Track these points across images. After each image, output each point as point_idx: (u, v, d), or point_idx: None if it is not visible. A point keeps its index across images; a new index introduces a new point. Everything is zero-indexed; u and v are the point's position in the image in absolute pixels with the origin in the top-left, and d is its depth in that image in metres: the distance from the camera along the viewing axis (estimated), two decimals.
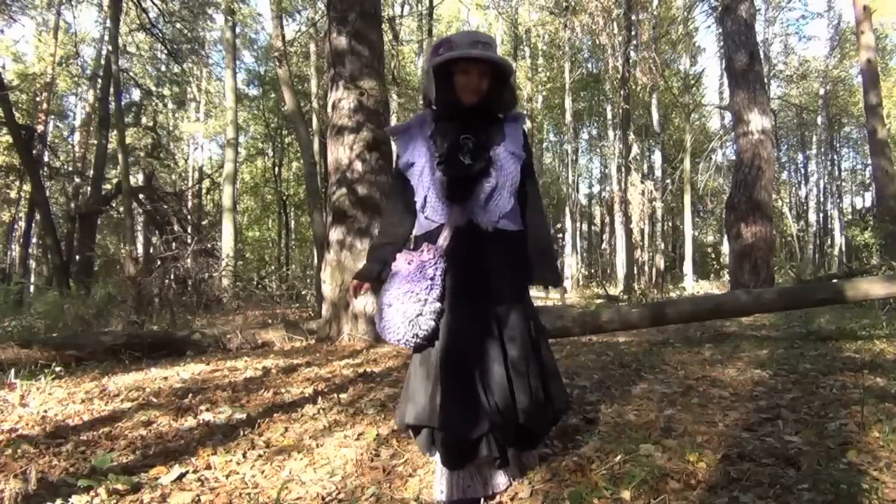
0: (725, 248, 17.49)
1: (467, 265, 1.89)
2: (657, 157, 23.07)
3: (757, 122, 9.59)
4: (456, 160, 1.89)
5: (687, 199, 20.31)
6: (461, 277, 1.89)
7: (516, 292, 1.95)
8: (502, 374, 1.84)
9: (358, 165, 5.92)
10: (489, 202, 1.90)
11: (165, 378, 4.22)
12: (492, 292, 1.89)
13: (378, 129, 6.05)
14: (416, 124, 2.02)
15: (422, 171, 1.94)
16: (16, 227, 23.34)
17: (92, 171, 15.64)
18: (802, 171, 32.76)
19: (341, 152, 5.99)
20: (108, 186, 17.13)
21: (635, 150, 19.95)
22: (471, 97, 1.91)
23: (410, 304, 1.85)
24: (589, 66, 24.35)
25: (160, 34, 13.33)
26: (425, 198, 1.94)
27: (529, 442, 2.03)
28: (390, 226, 2.07)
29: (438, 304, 1.87)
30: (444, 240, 1.89)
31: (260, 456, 2.47)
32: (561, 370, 3.88)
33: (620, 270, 19.83)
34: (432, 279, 1.87)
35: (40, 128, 17.79)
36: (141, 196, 14.89)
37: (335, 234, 5.93)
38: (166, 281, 9.31)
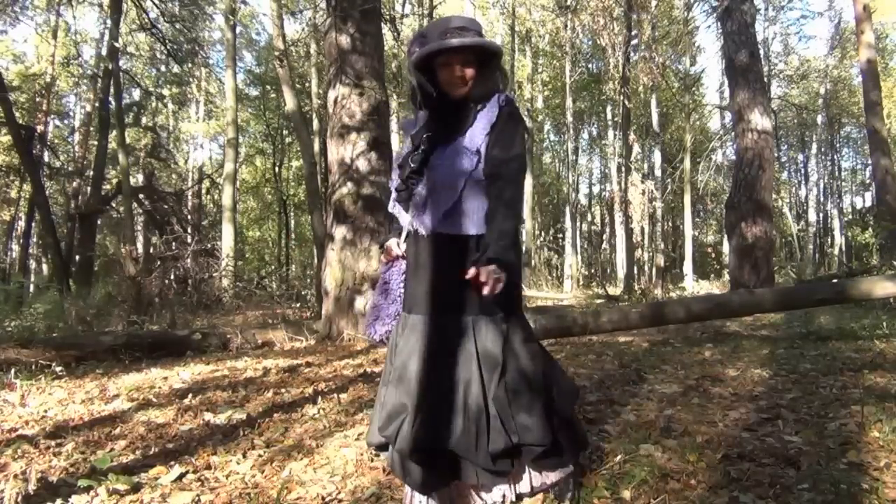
0: (725, 248, 17.50)
1: (416, 273, 1.84)
2: (657, 157, 23.06)
3: (757, 121, 9.58)
4: (406, 163, 1.84)
5: (687, 199, 20.31)
6: (410, 285, 1.87)
7: (475, 304, 1.73)
8: (436, 392, 1.70)
9: (359, 164, 5.93)
10: (425, 207, 1.78)
11: (165, 378, 4.22)
12: (441, 302, 1.75)
13: (378, 129, 6.06)
14: (410, 121, 1.95)
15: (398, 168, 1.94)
16: (16, 226, 23.34)
17: (92, 171, 15.63)
18: (802, 171, 32.76)
19: (342, 151, 6.00)
20: (108, 186, 17.13)
21: (636, 150, 19.95)
22: (458, 89, 1.77)
23: (370, 308, 1.99)
24: (590, 66, 24.35)
25: (160, 34, 13.33)
26: (393, 201, 1.94)
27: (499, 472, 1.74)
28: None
29: (395, 309, 1.92)
30: (401, 245, 1.91)
31: (260, 456, 2.47)
32: None
33: (620, 270, 19.83)
34: (387, 284, 1.94)
35: (40, 128, 17.79)
36: (141, 196, 14.89)
37: (336, 233, 5.93)
38: (166, 281, 9.31)
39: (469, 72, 1.76)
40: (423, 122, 1.88)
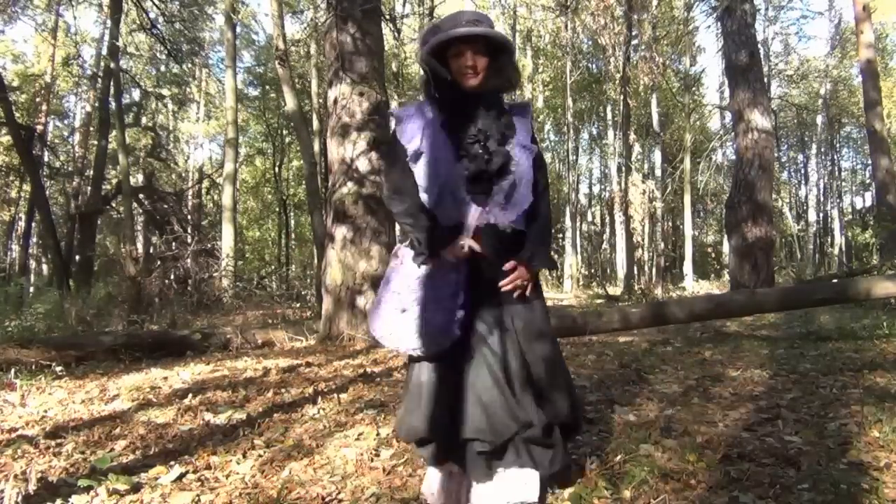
0: (725, 248, 17.51)
1: (487, 270, 1.80)
2: (657, 157, 23.05)
3: (757, 121, 9.58)
4: (476, 154, 1.76)
5: (687, 199, 20.31)
6: (480, 282, 1.79)
7: (532, 291, 1.87)
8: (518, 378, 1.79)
9: (359, 164, 5.93)
10: (509, 201, 1.77)
11: (165, 378, 4.22)
12: (508, 296, 1.82)
13: (379, 129, 6.06)
14: (419, 110, 1.85)
15: (435, 162, 1.76)
16: (16, 227, 23.34)
17: (92, 171, 15.64)
18: (802, 171, 32.76)
19: (342, 151, 6.00)
20: (108, 186, 17.13)
21: (637, 149, 19.91)
22: (470, 80, 1.77)
23: (433, 313, 1.75)
24: (590, 66, 24.35)
25: (160, 34, 13.32)
26: (440, 194, 1.76)
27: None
28: (412, 191, 1.80)
29: (462, 312, 1.77)
30: (467, 242, 1.77)
31: (260, 456, 2.47)
32: None
33: (620, 270, 19.82)
34: (457, 285, 1.77)
35: (40, 128, 17.79)
36: (141, 196, 14.90)
37: (336, 233, 5.92)
38: (166, 281, 9.31)
39: (481, 62, 1.78)
40: (435, 111, 1.83)
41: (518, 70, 1.90)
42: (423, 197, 1.78)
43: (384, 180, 2.00)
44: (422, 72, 1.84)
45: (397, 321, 1.78)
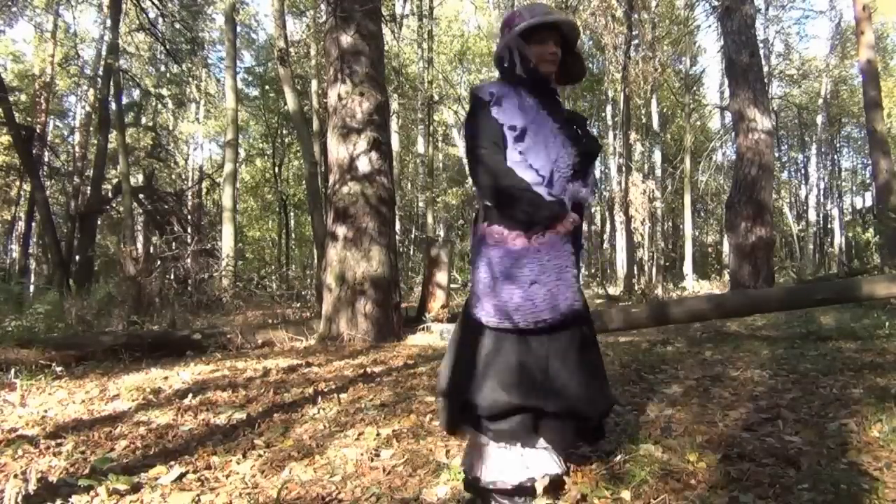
0: (725, 248, 17.50)
1: (576, 242, 1.94)
2: (657, 157, 23.04)
3: (757, 121, 9.58)
4: (577, 137, 1.93)
5: (687, 198, 20.30)
6: (574, 253, 1.95)
7: None
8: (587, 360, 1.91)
9: (360, 164, 5.93)
10: (587, 179, 1.98)
11: (165, 378, 4.22)
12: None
13: (379, 129, 6.06)
14: (513, 89, 1.91)
15: (546, 142, 1.85)
16: (16, 227, 23.33)
17: (92, 171, 15.64)
18: (802, 171, 32.73)
19: (343, 151, 6.00)
20: (108, 186, 17.14)
21: (640, 148, 19.90)
22: (549, 67, 1.93)
23: (567, 280, 1.83)
24: (592, 66, 24.32)
25: (160, 34, 13.32)
26: (552, 172, 1.84)
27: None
28: (509, 167, 1.85)
29: (577, 284, 1.94)
30: (573, 215, 1.87)
31: (260, 456, 2.47)
32: None
33: (620, 270, 19.82)
34: (571, 256, 1.88)
35: (40, 128, 17.80)
36: (141, 196, 14.89)
37: (337, 232, 5.93)
38: (166, 281, 9.30)
39: (558, 52, 1.93)
40: (523, 94, 1.91)
41: (584, 64, 2.07)
42: (532, 175, 1.83)
43: (472, 156, 1.88)
44: (506, 54, 1.92)
45: (528, 293, 1.78)
